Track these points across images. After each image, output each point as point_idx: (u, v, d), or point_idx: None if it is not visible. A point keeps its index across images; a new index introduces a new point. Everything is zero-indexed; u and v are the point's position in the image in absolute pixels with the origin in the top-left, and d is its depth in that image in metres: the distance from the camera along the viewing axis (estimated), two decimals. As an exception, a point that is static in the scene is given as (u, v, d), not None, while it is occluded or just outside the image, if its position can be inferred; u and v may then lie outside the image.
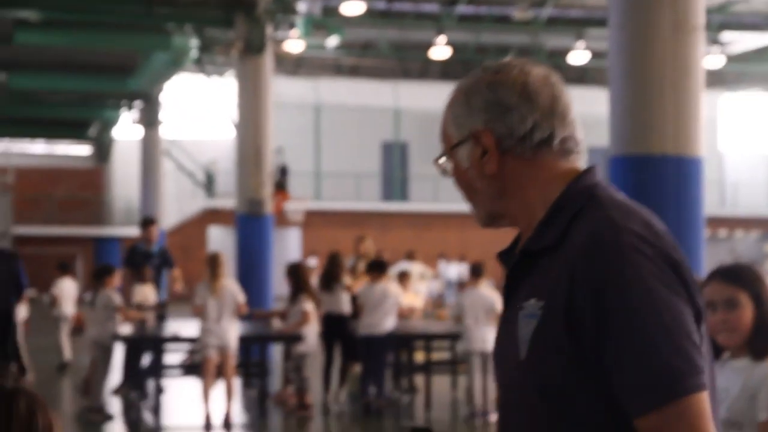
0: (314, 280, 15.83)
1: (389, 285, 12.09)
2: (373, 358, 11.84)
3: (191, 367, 12.83)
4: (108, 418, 11.70)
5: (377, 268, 11.98)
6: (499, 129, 2.08)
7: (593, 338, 1.91)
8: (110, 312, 11.79)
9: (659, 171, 8.20)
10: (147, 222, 14.06)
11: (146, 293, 13.43)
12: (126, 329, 12.31)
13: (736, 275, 3.43)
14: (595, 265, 1.92)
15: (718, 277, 3.42)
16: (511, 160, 2.09)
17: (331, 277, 12.44)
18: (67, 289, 16.68)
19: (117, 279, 12.35)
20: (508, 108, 2.07)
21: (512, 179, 2.10)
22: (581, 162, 2.14)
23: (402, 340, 12.45)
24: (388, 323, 11.81)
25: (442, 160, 2.25)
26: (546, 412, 1.98)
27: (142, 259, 13.64)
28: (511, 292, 2.08)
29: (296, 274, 12.20)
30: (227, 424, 11.04)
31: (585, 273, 1.92)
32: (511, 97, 2.08)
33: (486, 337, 11.33)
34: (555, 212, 2.04)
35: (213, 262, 11.17)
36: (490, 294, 11.55)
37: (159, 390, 11.86)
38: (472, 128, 2.13)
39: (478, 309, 11.30)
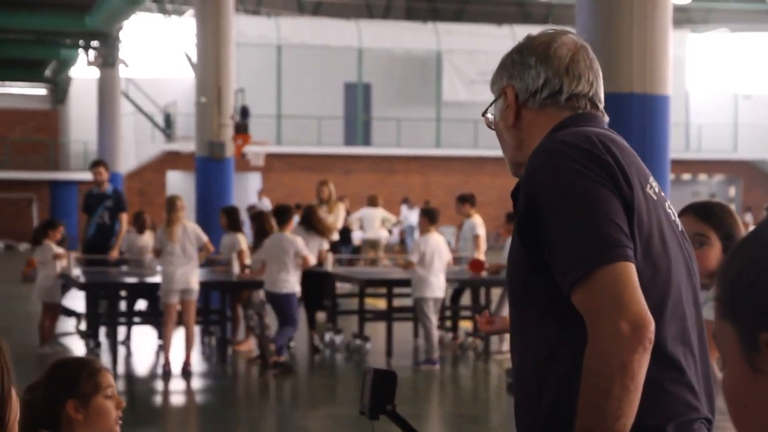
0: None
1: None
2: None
3: (149, 315, 12.59)
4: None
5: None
6: (519, 84, 2.41)
7: (533, 238, 2.17)
8: (52, 261, 12.17)
9: (625, 109, 8.04)
10: (95, 163, 14.10)
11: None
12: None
13: (709, 212, 3.44)
14: (528, 174, 2.22)
15: (691, 213, 3.43)
16: (526, 112, 2.41)
17: (308, 225, 12.30)
18: None
19: (59, 233, 12.67)
20: (528, 66, 2.39)
21: (526, 130, 2.41)
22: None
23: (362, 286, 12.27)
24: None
25: (488, 114, 2.53)
26: (519, 316, 2.29)
27: (96, 203, 13.51)
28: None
29: (260, 220, 12.00)
30: (186, 371, 10.82)
31: (523, 182, 2.23)
32: (532, 58, 2.39)
33: (442, 284, 11.20)
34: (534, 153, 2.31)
35: (170, 206, 10.93)
36: (442, 240, 11.38)
37: (113, 337, 11.59)
38: (501, 85, 2.45)
39: (436, 255, 11.11)
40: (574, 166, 2.14)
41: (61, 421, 3.02)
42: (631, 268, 2.08)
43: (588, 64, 2.38)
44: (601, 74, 2.42)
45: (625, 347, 2.02)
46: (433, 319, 11.22)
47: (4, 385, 1.99)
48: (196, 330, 12.56)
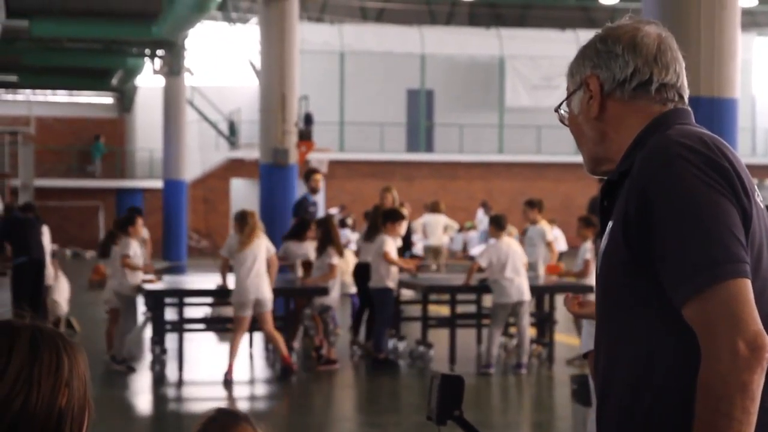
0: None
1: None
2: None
3: (213, 321, 12.67)
4: (130, 369, 11.57)
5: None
6: (604, 74, 2.31)
7: (642, 241, 2.09)
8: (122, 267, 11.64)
9: (693, 113, 7.92)
10: (315, 171, 14.35)
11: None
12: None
13: None
14: (642, 175, 2.11)
15: None
16: (611, 104, 2.31)
17: (373, 228, 12.31)
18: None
19: (140, 226, 12.12)
20: (614, 55, 2.30)
21: (612, 122, 2.31)
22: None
23: (425, 293, 12.26)
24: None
25: (562, 108, 2.44)
26: (610, 314, 2.22)
27: (316, 210, 14.11)
28: (605, 221, 2.28)
29: (326, 226, 12.05)
30: (286, 370, 11.03)
31: (635, 183, 2.12)
32: (618, 46, 2.31)
33: (519, 287, 11.19)
34: (633, 147, 2.25)
35: (245, 220, 10.83)
36: (515, 245, 11.44)
37: (180, 344, 11.68)
38: (583, 76, 2.35)
39: (509, 260, 11.15)
40: (695, 173, 2.06)
41: None
42: (749, 286, 2.02)
43: (674, 55, 2.32)
44: (684, 65, 2.34)
45: (744, 368, 1.97)
46: (497, 327, 11.31)
47: (86, 395, 2.01)
48: (258, 338, 12.65)
